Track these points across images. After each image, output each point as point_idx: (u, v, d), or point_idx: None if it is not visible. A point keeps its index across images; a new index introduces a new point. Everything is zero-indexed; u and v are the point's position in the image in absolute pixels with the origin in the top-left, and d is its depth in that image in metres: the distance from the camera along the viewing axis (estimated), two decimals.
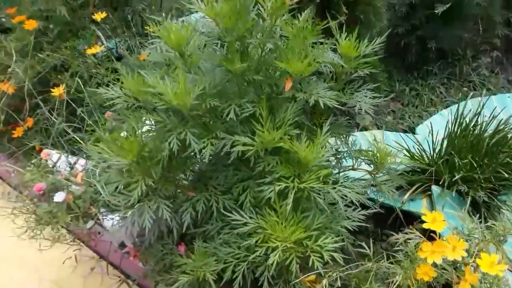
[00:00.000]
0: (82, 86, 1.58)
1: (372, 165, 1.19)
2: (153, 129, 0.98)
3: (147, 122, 1.03)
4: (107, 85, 1.66)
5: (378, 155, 1.15)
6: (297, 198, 0.87)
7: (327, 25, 0.95)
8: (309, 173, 0.86)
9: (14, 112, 1.85)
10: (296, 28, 0.90)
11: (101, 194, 1.10)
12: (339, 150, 1.15)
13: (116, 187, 0.97)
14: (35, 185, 1.15)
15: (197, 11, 0.96)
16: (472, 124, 1.51)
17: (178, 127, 0.90)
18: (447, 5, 1.95)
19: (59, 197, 1.11)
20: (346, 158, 1.20)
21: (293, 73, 0.86)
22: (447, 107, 2.03)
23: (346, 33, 1.00)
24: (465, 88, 2.18)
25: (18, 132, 1.80)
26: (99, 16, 1.75)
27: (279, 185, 0.83)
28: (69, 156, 1.39)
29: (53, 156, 1.37)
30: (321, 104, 0.85)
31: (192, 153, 0.97)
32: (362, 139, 1.69)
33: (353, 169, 1.22)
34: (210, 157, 0.91)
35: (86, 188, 1.14)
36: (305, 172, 0.86)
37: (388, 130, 1.88)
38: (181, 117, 0.92)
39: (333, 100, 0.86)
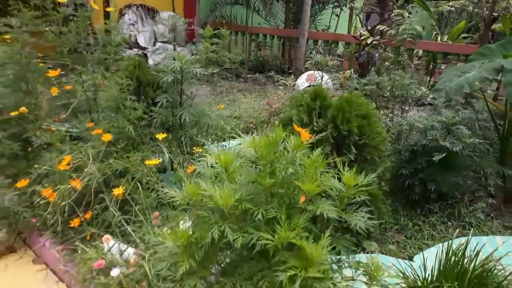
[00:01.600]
0: (140, 188, 1.96)
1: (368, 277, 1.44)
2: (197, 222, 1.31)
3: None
4: (157, 190, 2.05)
5: (372, 267, 1.42)
6: (303, 286, 1.14)
7: (334, 159, 1.32)
8: (313, 267, 1.14)
9: (76, 205, 2.22)
10: (310, 160, 1.27)
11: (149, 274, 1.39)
12: (341, 259, 1.43)
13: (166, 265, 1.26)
14: (95, 262, 1.45)
15: (235, 138, 1.37)
16: (460, 258, 1.77)
17: (219, 221, 1.23)
18: (443, 154, 2.34)
19: (115, 272, 1.39)
20: (347, 267, 1.46)
21: (306, 191, 1.21)
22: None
23: (350, 168, 1.36)
24: (463, 229, 2.45)
25: (75, 223, 2.14)
26: (160, 136, 2.22)
27: (290, 272, 1.11)
28: (121, 244, 1.70)
29: (109, 242, 1.69)
30: (325, 216, 1.18)
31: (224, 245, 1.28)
32: (364, 260, 1.94)
33: (353, 279, 1.47)
34: (237, 250, 1.22)
35: (136, 269, 1.43)
36: (310, 265, 1.14)
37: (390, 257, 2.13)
38: (221, 214, 1.26)
39: (334, 214, 1.18)
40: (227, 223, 1.21)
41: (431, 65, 6.42)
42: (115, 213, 1.88)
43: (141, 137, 2.45)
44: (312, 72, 4.72)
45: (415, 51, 6.06)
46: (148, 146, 2.41)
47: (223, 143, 2.83)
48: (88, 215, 2.09)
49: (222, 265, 1.34)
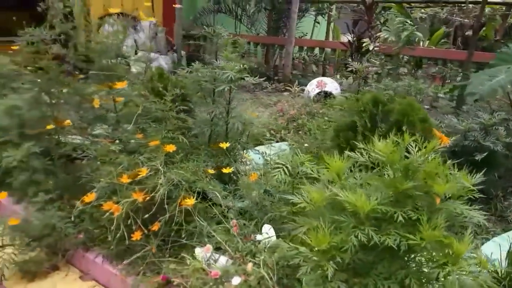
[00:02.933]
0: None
1: None
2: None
3: None
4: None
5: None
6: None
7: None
8: (459, 262, 1.20)
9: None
10: (435, 162, 1.34)
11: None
12: None
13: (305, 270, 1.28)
14: (211, 272, 1.44)
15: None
16: None
17: (358, 225, 1.27)
18: (484, 154, 2.48)
19: (236, 280, 1.40)
20: None
21: (440, 192, 1.28)
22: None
23: None
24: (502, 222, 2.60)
25: (136, 236, 2.10)
26: (224, 145, 2.23)
27: (445, 268, 1.17)
28: (213, 252, 1.70)
29: (200, 252, 1.68)
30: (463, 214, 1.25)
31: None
32: None
33: None
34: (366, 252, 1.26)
35: (255, 275, 1.44)
36: (456, 261, 1.21)
37: None
38: (358, 219, 1.30)
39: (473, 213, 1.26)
40: (366, 227, 1.26)
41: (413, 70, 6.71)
42: (181, 225, 1.87)
43: (196, 146, 2.44)
44: (321, 78, 4.82)
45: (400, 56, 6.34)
46: (202, 155, 2.41)
47: (262, 149, 2.85)
48: (155, 227, 2.06)
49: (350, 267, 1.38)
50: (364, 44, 4.97)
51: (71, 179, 2.91)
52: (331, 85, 4.64)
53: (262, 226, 1.90)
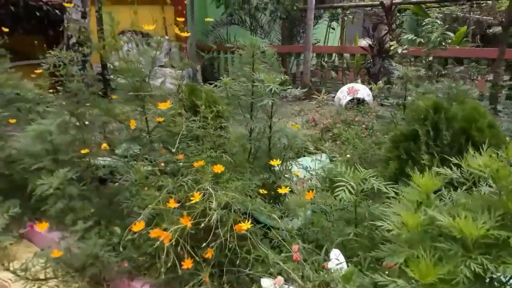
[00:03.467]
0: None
1: None
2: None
3: None
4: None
5: None
6: None
7: None
8: None
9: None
10: None
11: None
12: None
13: None
14: None
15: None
16: None
17: (466, 254, 1.10)
18: None
19: None
20: None
21: None
22: None
23: None
24: None
25: (187, 264, 1.95)
26: (275, 162, 2.09)
27: None
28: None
29: (270, 285, 1.52)
30: None
31: None
32: None
33: None
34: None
35: None
36: None
37: None
38: (465, 246, 1.13)
39: None
40: (476, 255, 1.09)
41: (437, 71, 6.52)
42: (234, 251, 1.72)
43: (237, 164, 2.30)
44: (351, 85, 4.67)
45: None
46: (247, 174, 2.26)
47: (304, 162, 2.70)
48: (209, 254, 1.91)
49: None
50: (392, 47, 4.81)
51: (107, 203, 2.80)
52: (363, 91, 4.48)
53: (325, 250, 1.75)
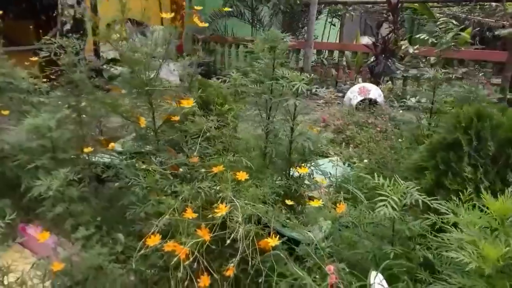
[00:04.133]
0: None
1: None
2: None
3: None
4: None
5: None
6: None
7: None
8: None
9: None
10: None
11: None
12: None
13: None
14: None
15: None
16: None
17: None
18: None
19: None
20: None
21: None
22: None
23: None
24: None
25: (204, 281, 1.76)
26: (304, 170, 1.91)
27: None
28: None
29: None
30: None
31: None
32: None
33: None
34: None
35: None
36: None
37: None
38: None
39: None
40: None
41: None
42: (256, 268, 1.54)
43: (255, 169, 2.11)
44: (363, 84, 4.49)
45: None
46: (268, 180, 2.08)
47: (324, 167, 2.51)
48: (229, 271, 1.72)
49: None
50: (403, 47, 4.65)
51: (108, 206, 2.59)
52: (375, 91, 4.31)
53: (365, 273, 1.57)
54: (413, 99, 5.73)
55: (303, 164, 2.20)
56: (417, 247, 1.67)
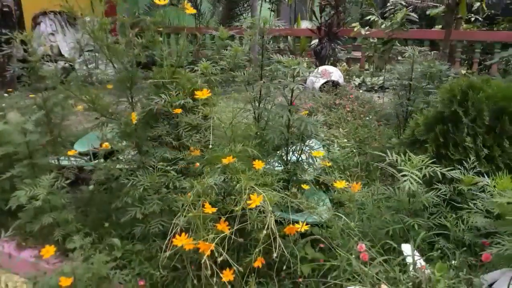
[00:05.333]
0: None
1: None
2: None
3: None
4: None
5: None
6: None
7: None
8: None
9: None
10: None
11: None
12: None
13: None
14: None
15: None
16: None
17: None
18: None
19: None
20: None
21: None
22: None
23: None
24: None
25: (227, 275, 1.69)
26: (318, 153, 1.89)
27: None
28: None
29: None
30: None
31: None
32: None
33: None
34: None
35: None
36: None
37: None
38: None
39: None
40: None
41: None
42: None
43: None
44: (324, 67, 4.55)
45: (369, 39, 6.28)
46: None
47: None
48: (258, 262, 1.66)
49: None
50: (355, 29, 4.78)
51: (94, 211, 2.40)
52: (336, 73, 4.40)
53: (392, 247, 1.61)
54: (357, 79, 5.98)
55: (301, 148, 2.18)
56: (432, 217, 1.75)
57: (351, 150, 2.58)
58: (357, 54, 7.11)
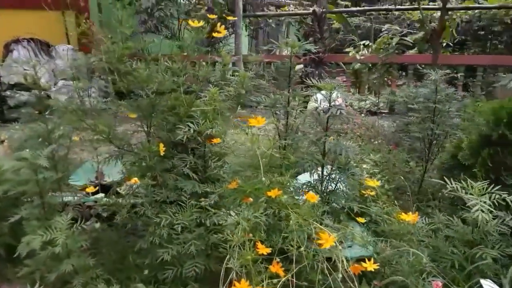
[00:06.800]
0: None
1: None
2: None
3: None
4: None
5: None
6: None
7: None
8: None
9: None
10: None
11: None
12: None
13: None
14: None
15: None
16: None
17: None
18: None
19: None
20: None
21: None
22: None
23: None
24: None
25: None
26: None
27: None
28: None
29: None
30: None
31: None
32: None
33: None
34: None
35: None
36: None
37: None
38: None
39: None
40: None
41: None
42: None
43: None
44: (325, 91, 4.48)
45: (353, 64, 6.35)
46: None
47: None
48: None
49: None
50: (350, 54, 4.78)
51: (109, 252, 2.15)
52: (340, 98, 4.35)
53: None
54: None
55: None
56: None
57: (382, 176, 2.46)
58: (340, 78, 7.17)
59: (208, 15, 2.50)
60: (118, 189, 2.64)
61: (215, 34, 2.09)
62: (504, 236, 1.66)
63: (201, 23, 1.91)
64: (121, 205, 2.15)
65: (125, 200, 2.13)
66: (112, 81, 2.46)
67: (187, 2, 7.19)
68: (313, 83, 2.29)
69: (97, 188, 2.73)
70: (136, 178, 1.89)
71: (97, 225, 2.47)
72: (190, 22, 1.91)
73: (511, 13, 7.03)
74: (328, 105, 4.26)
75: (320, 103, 4.41)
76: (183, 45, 2.28)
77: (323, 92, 4.39)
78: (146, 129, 2.14)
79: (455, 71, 6.18)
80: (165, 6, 6.60)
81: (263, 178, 1.78)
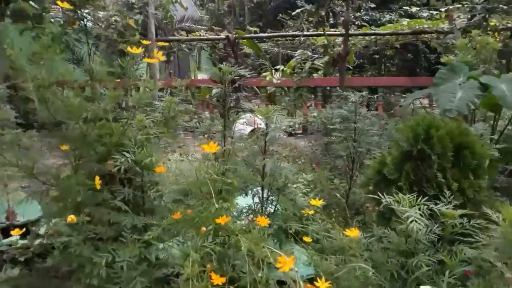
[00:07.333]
0: None
1: None
2: None
3: None
4: None
5: None
6: None
7: None
8: None
9: None
10: None
11: None
12: None
13: None
14: None
15: None
16: None
17: None
18: None
19: None
20: None
21: None
22: None
23: None
24: None
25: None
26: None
27: None
28: None
29: None
30: None
31: None
32: None
33: None
34: None
35: None
36: None
37: None
38: None
39: None
40: None
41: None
42: None
43: None
44: (248, 115, 4.54)
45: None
46: None
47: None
48: None
49: None
50: (267, 78, 4.95)
51: None
52: (261, 121, 4.45)
53: None
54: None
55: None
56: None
57: (315, 194, 2.56)
58: (256, 101, 7.39)
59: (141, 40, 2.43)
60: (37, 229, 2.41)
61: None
62: (432, 243, 1.82)
63: (140, 49, 1.84)
64: (47, 246, 1.96)
65: (47, 240, 1.95)
66: (28, 111, 2.26)
67: (96, 25, 6.90)
68: (243, 107, 2.33)
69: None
70: (73, 216, 1.73)
71: (15, 271, 2.21)
72: (128, 48, 1.84)
73: (400, 39, 7.88)
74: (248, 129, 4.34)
75: (244, 127, 4.49)
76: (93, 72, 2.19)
77: (247, 115, 4.47)
78: (74, 161, 1.99)
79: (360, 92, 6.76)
80: (72, 31, 6.26)
81: (216, 205, 1.76)
